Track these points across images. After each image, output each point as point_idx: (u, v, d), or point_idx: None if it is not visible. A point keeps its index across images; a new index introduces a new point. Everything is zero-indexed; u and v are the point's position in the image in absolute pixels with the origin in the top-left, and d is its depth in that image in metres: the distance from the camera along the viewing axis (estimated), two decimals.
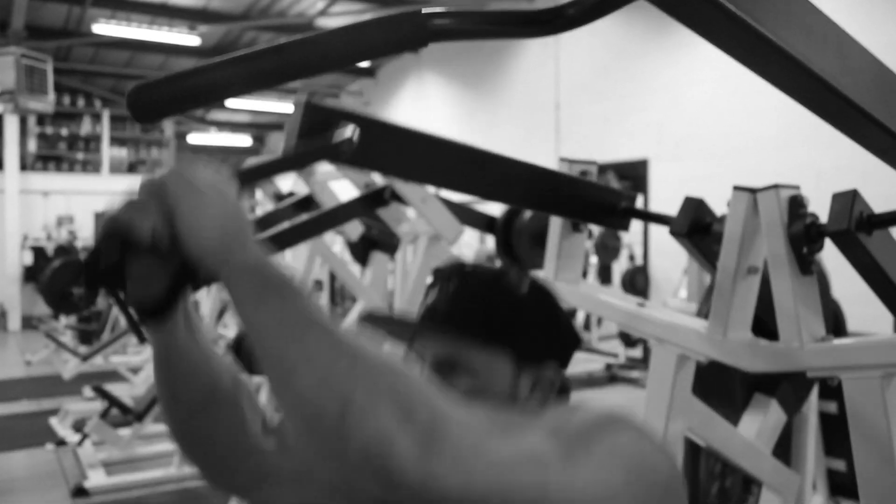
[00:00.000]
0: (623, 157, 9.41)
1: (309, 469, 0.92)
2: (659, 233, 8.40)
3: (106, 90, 13.93)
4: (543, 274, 1.76)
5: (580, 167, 1.73)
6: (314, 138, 1.01)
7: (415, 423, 0.65)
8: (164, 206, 0.73)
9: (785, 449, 2.12)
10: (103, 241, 0.75)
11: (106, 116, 13.67)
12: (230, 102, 15.88)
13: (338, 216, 3.06)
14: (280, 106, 16.36)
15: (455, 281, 0.94)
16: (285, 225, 3.03)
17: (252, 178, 0.90)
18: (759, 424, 1.81)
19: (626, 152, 9.21)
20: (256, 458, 0.92)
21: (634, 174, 10.85)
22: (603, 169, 10.73)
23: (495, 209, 3.19)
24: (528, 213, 3.04)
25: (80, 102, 13.57)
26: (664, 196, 8.90)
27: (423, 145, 1.27)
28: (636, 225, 8.71)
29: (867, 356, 1.21)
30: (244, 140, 17.65)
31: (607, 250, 7.88)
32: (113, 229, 0.74)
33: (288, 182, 4.67)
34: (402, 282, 3.18)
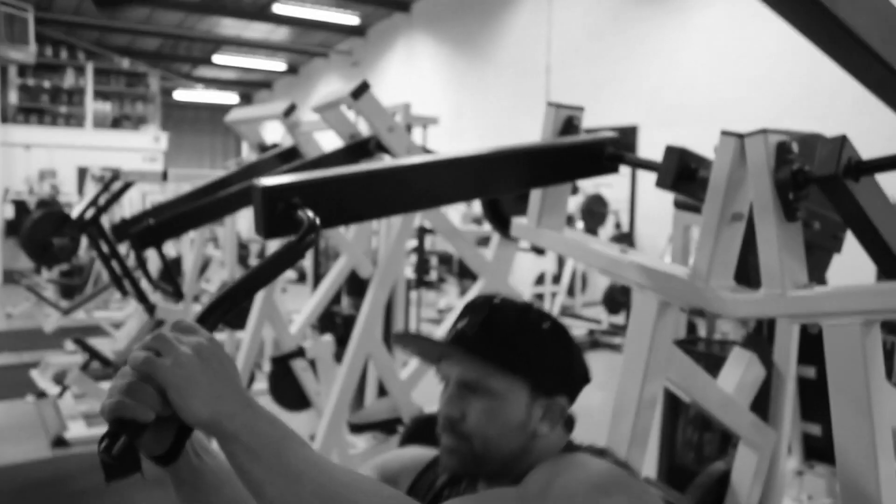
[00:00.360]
0: (613, 123, 9.35)
1: None
2: (645, 199, 8.39)
3: (90, 42, 13.67)
4: (527, 221, 1.74)
5: (567, 112, 1.70)
6: (281, 223, 1.12)
7: None
8: (157, 385, 0.78)
9: (762, 410, 2.12)
10: (110, 430, 0.80)
11: (90, 69, 13.42)
12: (218, 58, 15.67)
13: (321, 166, 3.01)
14: (268, 64, 16.14)
15: (485, 311, 1.04)
16: (269, 166, 2.98)
17: (226, 310, 0.95)
18: (738, 378, 1.81)
19: (616, 118, 9.15)
20: None
21: (624, 142, 10.81)
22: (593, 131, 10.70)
23: None
24: None
25: (63, 54, 13.32)
26: (655, 157, 8.86)
27: (389, 178, 1.31)
28: (623, 191, 8.71)
29: (849, 303, 1.20)
30: (231, 98, 17.43)
31: (593, 216, 7.86)
32: (117, 417, 0.79)
33: (274, 133, 4.59)
34: (386, 240, 3.15)
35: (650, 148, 9.16)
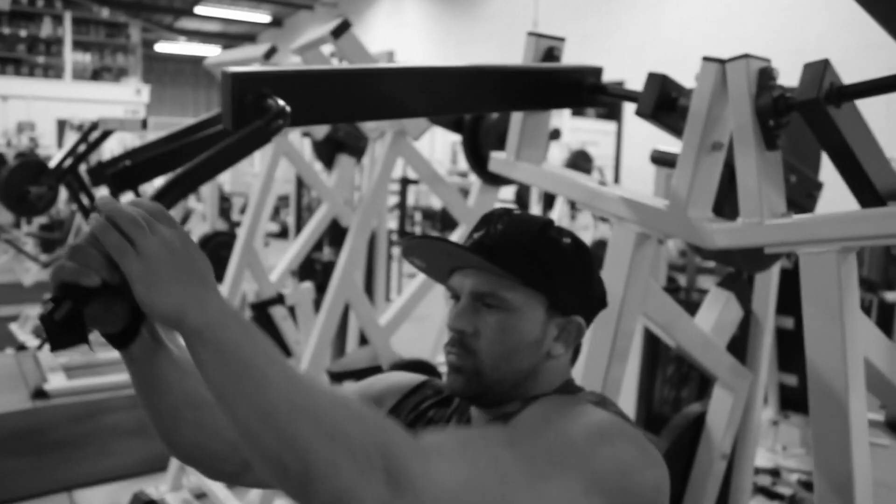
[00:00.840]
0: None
1: None
2: (630, 156, 8.37)
3: None
4: (506, 153, 1.71)
5: (548, 42, 1.66)
6: (250, 113, 1.04)
7: (378, 470, 0.71)
8: (108, 256, 0.74)
9: (740, 355, 2.12)
10: (54, 295, 0.75)
11: (68, 18, 13.10)
12: (200, 10, 15.35)
13: None
14: (252, 16, 15.83)
15: (504, 222, 0.98)
16: None
17: (186, 187, 0.92)
18: (715, 317, 1.81)
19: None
20: (242, 448, 0.96)
21: (610, 106, 10.73)
22: (578, 113, 10.55)
23: None
24: (495, 113, 2.96)
25: (40, 2, 12.99)
26: (638, 121, 8.83)
27: (363, 80, 1.23)
28: (608, 147, 8.66)
29: (825, 230, 1.19)
30: (213, 51, 17.11)
31: (578, 171, 7.83)
32: (61, 280, 0.74)
33: None
34: (368, 184, 3.11)
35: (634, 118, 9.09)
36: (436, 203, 10.12)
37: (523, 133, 1.66)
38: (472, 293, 0.96)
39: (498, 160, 1.72)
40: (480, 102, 1.48)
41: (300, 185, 6.29)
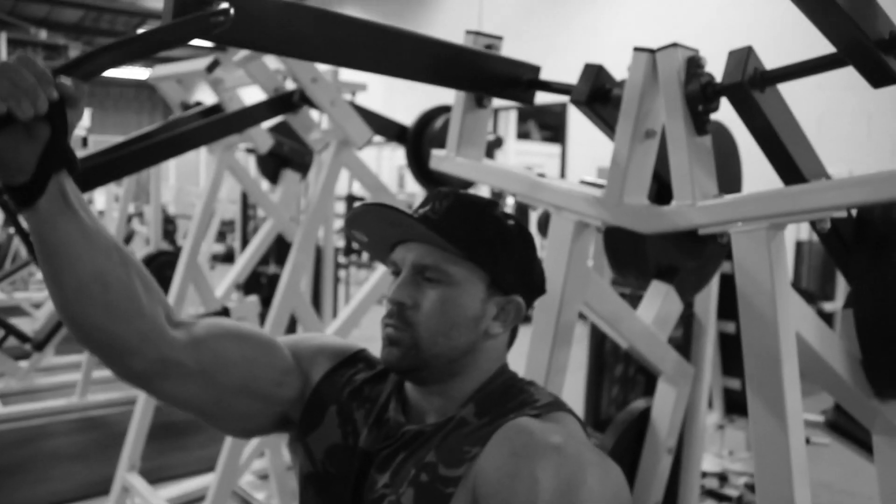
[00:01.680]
0: (544, 101, 9.41)
1: (214, 368, 0.98)
2: (574, 178, 8.50)
3: (4, 12, 13.05)
4: (446, 150, 1.72)
5: (486, 41, 1.68)
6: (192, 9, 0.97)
7: None
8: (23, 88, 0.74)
9: (683, 354, 2.16)
10: None
11: (3, 40, 12.78)
12: (143, 31, 15.14)
13: (244, 119, 2.93)
14: (195, 41, 15.66)
15: (451, 199, 0.98)
16: (191, 125, 2.89)
17: (106, 62, 0.87)
18: (656, 310, 1.84)
19: (547, 96, 9.20)
20: (159, 347, 0.93)
21: (555, 123, 10.94)
22: (525, 117, 10.73)
23: (407, 118, 3.13)
24: (439, 122, 2.99)
25: None
26: (583, 140, 9.00)
27: (312, 18, 1.20)
28: (553, 169, 8.79)
29: (754, 208, 1.22)
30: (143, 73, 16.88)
31: None
32: None
33: (201, 93, 4.46)
34: (313, 193, 3.08)
35: (582, 123, 9.29)
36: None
37: (463, 130, 1.68)
38: (414, 265, 0.96)
39: (438, 157, 1.73)
40: (419, 70, 1.45)
41: (246, 206, 6.23)
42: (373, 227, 1.00)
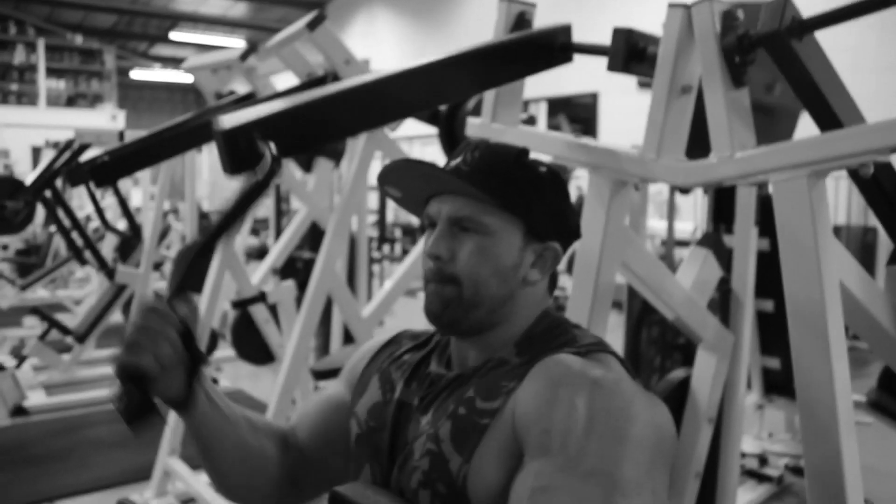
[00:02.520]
0: (574, 91, 9.38)
1: (324, 461, 1.11)
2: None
3: (41, 19, 13.32)
4: (482, 119, 1.73)
5: (518, 7, 1.69)
6: (245, 159, 1.18)
7: None
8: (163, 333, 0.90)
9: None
10: (123, 389, 0.89)
11: (41, 45, 13.09)
12: (175, 35, 15.39)
13: None
14: (227, 41, 15.88)
15: (480, 149, 0.98)
16: (225, 109, 2.93)
17: (207, 257, 1.08)
18: (694, 275, 1.83)
19: (576, 86, 9.18)
20: (286, 480, 1.10)
21: (585, 115, 10.89)
22: (554, 110, 10.66)
23: None
24: (471, 103, 3.00)
25: (12, 30, 12.96)
26: (613, 129, 8.94)
27: (339, 100, 1.33)
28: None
29: (794, 156, 1.21)
30: (189, 77, 17.12)
31: None
32: (124, 374, 0.89)
33: (236, 84, 4.52)
34: (347, 177, 3.11)
35: (612, 114, 9.22)
36: (414, 220, 10.15)
37: (498, 97, 1.69)
38: (450, 218, 0.96)
39: (475, 125, 1.74)
40: (460, 90, 1.56)
41: (279, 201, 6.29)
42: (406, 182, 1.01)
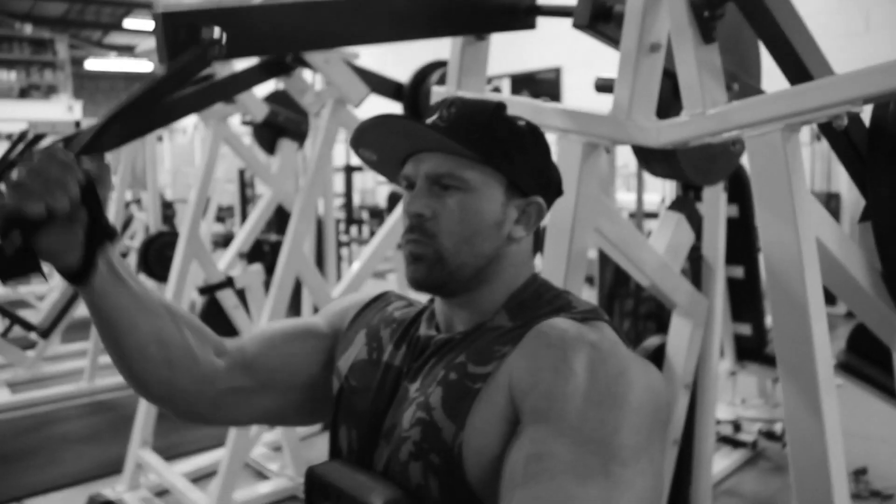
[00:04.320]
0: (537, 66, 9.36)
1: (271, 378, 1.02)
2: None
3: None
4: (446, 87, 1.68)
5: None
6: (184, 51, 1.05)
7: None
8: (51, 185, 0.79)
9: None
10: (1, 227, 0.78)
11: None
12: (129, 23, 15.01)
13: (237, 84, 2.88)
14: None
15: (458, 105, 0.94)
16: (183, 92, 2.84)
17: (126, 126, 0.92)
18: (668, 239, 1.81)
19: (539, 61, 9.15)
20: (216, 384, 0.99)
21: (549, 91, 10.87)
22: (518, 87, 10.61)
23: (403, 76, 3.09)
24: (435, 76, 2.95)
25: None
26: (578, 104, 8.92)
27: (295, 12, 1.22)
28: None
29: (768, 110, 1.19)
30: (147, 66, 16.75)
31: None
32: (6, 213, 0.78)
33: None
34: (312, 154, 3.04)
35: (576, 89, 9.21)
36: (381, 200, 10.08)
37: (463, 63, 1.65)
38: (429, 175, 0.91)
39: (439, 93, 1.69)
40: (420, 28, 1.46)
41: (244, 186, 6.20)
42: (381, 142, 0.96)
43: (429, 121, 0.94)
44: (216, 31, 1.01)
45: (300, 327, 1.08)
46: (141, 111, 0.95)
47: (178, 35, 1.05)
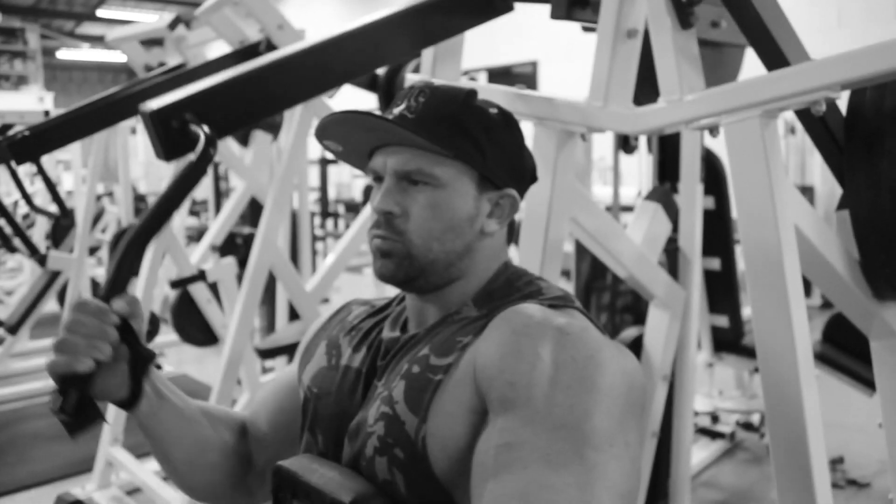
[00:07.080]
0: (514, 60, 9.34)
1: (282, 437, 1.05)
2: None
3: None
4: (422, 73, 1.65)
5: None
6: (178, 143, 1.14)
7: None
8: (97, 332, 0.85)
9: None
10: (57, 391, 0.84)
11: None
12: (102, 13, 14.77)
13: (210, 72, 2.82)
14: (157, 18, 15.35)
15: (426, 94, 0.90)
16: (150, 83, 2.79)
17: (143, 246, 1.02)
18: (645, 229, 1.79)
19: (516, 55, 9.13)
20: (248, 472, 1.06)
21: (525, 85, 10.87)
22: (494, 81, 10.70)
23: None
24: (410, 66, 2.91)
25: None
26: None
27: (273, 74, 1.29)
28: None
29: (745, 96, 1.17)
30: (120, 56, 16.51)
31: None
32: (59, 374, 0.83)
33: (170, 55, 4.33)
34: (286, 144, 2.99)
35: (553, 83, 9.20)
36: (357, 194, 10.02)
37: (437, 52, 1.61)
38: (397, 171, 0.88)
39: (413, 80, 1.66)
40: (401, 50, 1.48)
41: (217, 179, 6.12)
42: (346, 135, 0.92)
43: (396, 111, 0.90)
44: (205, 129, 1.08)
45: (287, 384, 1.09)
46: (154, 227, 1.02)
47: (170, 131, 1.13)
